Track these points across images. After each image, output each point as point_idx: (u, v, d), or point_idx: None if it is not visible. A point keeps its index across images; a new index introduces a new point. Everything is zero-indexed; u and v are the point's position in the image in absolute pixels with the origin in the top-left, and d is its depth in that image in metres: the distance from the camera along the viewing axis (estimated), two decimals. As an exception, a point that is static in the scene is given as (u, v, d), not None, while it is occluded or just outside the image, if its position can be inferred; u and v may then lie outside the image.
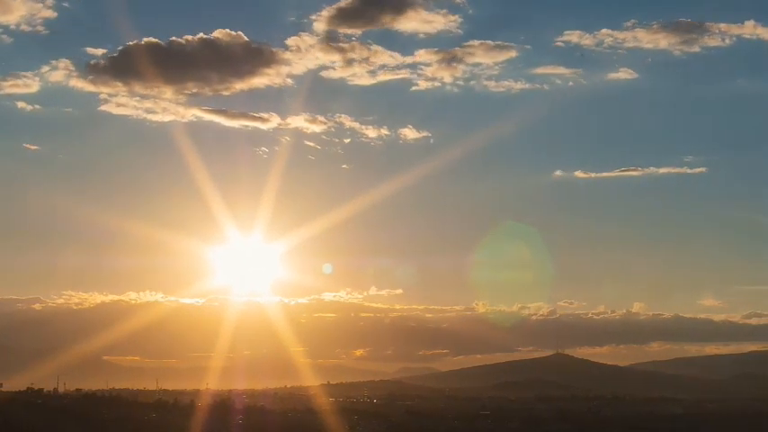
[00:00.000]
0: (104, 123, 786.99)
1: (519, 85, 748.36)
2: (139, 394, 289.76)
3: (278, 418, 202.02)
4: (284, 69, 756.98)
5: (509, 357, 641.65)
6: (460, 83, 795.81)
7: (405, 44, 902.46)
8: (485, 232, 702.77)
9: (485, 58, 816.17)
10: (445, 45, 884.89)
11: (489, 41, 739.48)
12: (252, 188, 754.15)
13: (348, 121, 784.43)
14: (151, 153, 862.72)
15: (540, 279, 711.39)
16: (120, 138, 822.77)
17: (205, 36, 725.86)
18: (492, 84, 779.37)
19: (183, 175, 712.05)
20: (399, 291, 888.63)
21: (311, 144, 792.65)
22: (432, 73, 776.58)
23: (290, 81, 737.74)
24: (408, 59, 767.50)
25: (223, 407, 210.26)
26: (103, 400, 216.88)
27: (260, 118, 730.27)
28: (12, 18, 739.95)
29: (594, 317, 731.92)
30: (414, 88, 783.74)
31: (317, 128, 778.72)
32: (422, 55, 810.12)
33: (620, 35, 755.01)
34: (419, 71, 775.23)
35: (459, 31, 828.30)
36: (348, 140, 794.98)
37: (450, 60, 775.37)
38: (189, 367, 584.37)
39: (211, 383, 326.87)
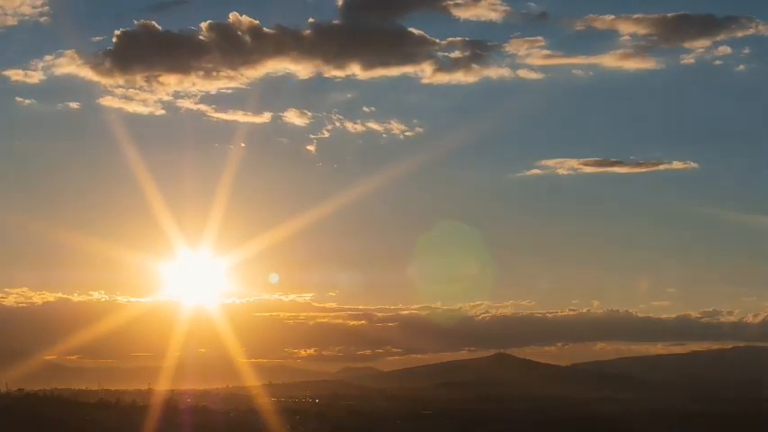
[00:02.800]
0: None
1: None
2: (81, 394, 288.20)
3: (220, 418, 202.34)
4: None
5: (451, 357, 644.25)
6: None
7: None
8: (430, 232, 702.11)
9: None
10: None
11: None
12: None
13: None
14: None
15: (483, 279, 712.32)
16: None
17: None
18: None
19: (123, 169, 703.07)
20: (342, 292, 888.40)
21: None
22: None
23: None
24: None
25: (165, 407, 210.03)
26: (46, 401, 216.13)
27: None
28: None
29: (544, 316, 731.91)
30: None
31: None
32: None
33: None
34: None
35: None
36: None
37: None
38: (132, 368, 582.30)
39: (155, 384, 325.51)
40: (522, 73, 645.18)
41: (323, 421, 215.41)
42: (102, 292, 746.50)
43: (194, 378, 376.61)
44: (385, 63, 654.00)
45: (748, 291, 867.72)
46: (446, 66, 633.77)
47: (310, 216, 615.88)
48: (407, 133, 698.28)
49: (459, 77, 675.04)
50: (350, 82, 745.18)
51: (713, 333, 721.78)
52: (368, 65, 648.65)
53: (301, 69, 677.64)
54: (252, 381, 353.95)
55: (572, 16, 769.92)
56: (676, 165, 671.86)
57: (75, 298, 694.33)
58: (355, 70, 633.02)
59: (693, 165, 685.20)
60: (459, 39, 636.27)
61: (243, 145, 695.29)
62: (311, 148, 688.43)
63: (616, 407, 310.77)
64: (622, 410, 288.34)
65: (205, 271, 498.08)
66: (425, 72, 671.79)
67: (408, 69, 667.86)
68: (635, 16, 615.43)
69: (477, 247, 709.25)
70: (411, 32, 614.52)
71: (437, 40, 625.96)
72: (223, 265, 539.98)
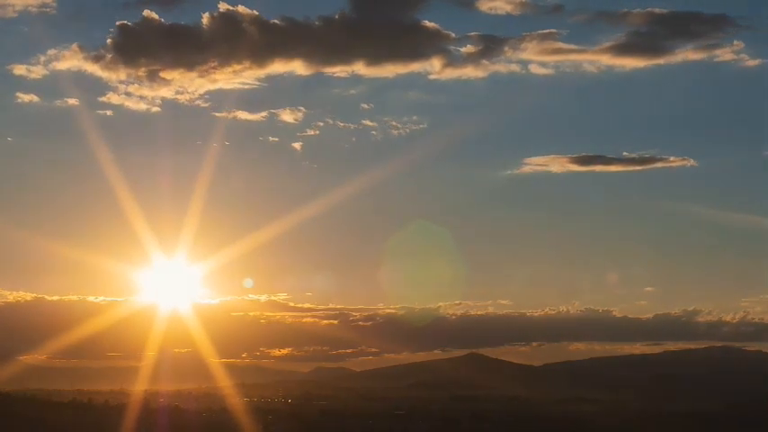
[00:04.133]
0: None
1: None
2: (54, 394, 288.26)
3: (193, 418, 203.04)
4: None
5: (424, 358, 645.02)
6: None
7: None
8: (406, 232, 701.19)
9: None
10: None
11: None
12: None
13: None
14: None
15: (459, 279, 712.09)
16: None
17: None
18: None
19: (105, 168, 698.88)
20: (318, 292, 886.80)
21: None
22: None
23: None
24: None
25: (138, 407, 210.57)
26: (18, 401, 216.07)
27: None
28: None
29: (521, 316, 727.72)
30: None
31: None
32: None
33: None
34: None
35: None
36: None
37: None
38: (104, 368, 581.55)
39: (128, 384, 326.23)
40: (533, 68, 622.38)
41: (295, 421, 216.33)
42: (78, 293, 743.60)
43: (168, 378, 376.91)
44: (393, 58, 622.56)
45: (727, 290, 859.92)
46: (457, 61, 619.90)
47: (289, 216, 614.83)
48: (399, 132, 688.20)
49: (469, 73, 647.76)
50: (353, 79, 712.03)
51: (691, 333, 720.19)
52: (374, 60, 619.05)
53: (305, 65, 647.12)
54: (225, 381, 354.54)
55: (588, 9, 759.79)
56: (660, 164, 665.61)
57: (49, 298, 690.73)
58: (360, 66, 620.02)
59: (682, 162, 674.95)
60: (474, 33, 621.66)
61: (227, 143, 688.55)
62: (297, 146, 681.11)
63: (587, 406, 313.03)
64: (594, 410, 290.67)
65: (181, 271, 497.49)
66: (434, 67, 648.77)
67: (416, 65, 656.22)
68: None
69: (454, 246, 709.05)
70: (424, 26, 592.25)
71: (452, 34, 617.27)
72: (199, 266, 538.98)
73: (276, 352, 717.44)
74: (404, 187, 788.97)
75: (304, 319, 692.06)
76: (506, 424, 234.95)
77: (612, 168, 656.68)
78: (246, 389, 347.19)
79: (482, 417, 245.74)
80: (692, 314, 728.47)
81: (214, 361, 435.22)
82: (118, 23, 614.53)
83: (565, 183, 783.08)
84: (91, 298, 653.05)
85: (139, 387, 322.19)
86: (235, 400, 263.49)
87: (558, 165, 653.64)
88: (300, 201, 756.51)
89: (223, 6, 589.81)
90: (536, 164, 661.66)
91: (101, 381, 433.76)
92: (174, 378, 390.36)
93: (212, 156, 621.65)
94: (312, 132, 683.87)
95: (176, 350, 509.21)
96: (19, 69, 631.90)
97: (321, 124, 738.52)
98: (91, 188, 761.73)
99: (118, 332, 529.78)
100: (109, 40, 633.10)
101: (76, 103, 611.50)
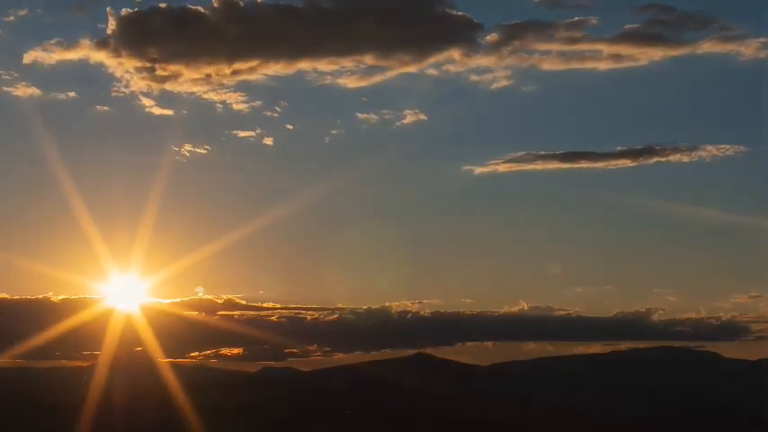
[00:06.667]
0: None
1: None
2: (5, 394, 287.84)
3: (142, 419, 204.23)
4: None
5: (372, 357, 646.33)
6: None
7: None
8: (357, 231, 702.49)
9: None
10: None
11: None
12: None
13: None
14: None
15: (407, 277, 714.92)
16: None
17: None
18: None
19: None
20: (272, 291, 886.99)
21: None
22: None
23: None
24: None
25: (88, 407, 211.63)
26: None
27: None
28: None
29: (475, 315, 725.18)
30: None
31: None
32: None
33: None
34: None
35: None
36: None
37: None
38: (50, 367, 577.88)
39: (80, 385, 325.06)
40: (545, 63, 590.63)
41: (242, 421, 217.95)
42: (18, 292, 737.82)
43: (121, 378, 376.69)
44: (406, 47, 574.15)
45: (685, 289, 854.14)
46: (475, 51, 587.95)
47: (248, 215, 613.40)
48: (379, 128, 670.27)
49: (482, 64, 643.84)
50: (358, 70, 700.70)
51: (648, 332, 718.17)
52: (385, 50, 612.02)
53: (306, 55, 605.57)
54: (174, 381, 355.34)
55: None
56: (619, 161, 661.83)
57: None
58: (368, 57, 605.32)
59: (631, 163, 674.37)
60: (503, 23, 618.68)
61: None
62: (269, 141, 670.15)
63: (534, 407, 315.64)
64: (541, 410, 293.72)
65: (132, 272, 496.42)
66: (453, 57, 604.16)
67: (434, 57, 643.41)
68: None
69: (409, 246, 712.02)
70: (449, 14, 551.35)
71: (482, 24, 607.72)
72: (152, 266, 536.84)
73: (227, 351, 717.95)
74: (373, 185, 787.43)
75: (255, 319, 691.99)
76: (448, 423, 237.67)
77: (567, 166, 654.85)
78: (195, 388, 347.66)
79: (426, 416, 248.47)
80: (649, 313, 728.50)
81: (165, 361, 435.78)
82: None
83: (517, 181, 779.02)
84: (39, 296, 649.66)
85: (90, 387, 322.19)
86: (183, 399, 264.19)
87: (517, 162, 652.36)
88: (261, 200, 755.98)
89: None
90: (496, 163, 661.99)
91: (48, 382, 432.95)
92: (126, 378, 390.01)
93: (170, 157, 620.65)
94: (288, 128, 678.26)
95: (126, 349, 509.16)
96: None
97: (300, 119, 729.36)
98: (34, 183, 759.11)
99: (68, 332, 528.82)
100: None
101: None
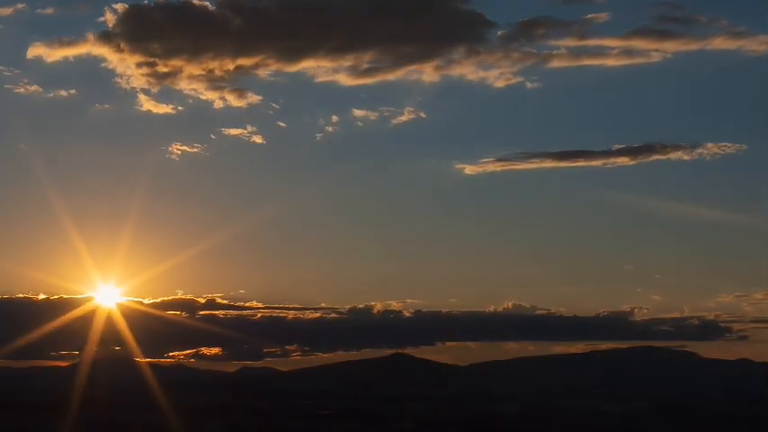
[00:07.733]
0: None
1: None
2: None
3: (122, 417, 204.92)
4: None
5: (351, 357, 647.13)
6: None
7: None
8: (339, 231, 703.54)
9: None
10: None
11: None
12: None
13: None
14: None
15: (390, 276, 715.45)
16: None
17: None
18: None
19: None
20: (253, 290, 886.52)
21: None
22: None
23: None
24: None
25: (68, 406, 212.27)
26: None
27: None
28: None
29: (458, 314, 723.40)
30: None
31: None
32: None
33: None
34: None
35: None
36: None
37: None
38: (30, 367, 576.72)
39: (59, 384, 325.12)
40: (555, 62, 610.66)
41: (221, 421, 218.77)
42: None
43: (101, 377, 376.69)
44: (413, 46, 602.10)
45: (671, 288, 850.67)
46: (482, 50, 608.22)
47: (232, 215, 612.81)
48: (372, 127, 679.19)
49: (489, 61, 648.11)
50: (358, 67, 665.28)
51: (630, 332, 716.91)
52: (391, 48, 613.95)
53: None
54: (153, 380, 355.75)
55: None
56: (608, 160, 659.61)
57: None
58: (374, 54, 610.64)
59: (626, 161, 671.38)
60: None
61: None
62: (258, 139, 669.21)
63: (513, 406, 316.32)
64: (519, 410, 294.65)
65: (117, 270, 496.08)
66: (457, 56, 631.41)
67: (438, 55, 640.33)
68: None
69: (396, 244, 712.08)
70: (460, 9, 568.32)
71: (496, 22, 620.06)
72: (133, 264, 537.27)
73: (206, 351, 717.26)
74: (358, 184, 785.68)
75: (237, 318, 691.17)
76: (426, 423, 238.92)
77: (556, 165, 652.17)
78: (174, 388, 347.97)
79: (404, 416, 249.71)
80: (629, 313, 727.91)
81: (143, 360, 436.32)
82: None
83: (504, 181, 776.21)
84: (20, 296, 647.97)
85: (67, 388, 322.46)
86: (162, 399, 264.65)
87: (508, 161, 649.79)
88: (246, 199, 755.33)
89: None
90: (488, 162, 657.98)
91: (28, 382, 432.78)
92: (106, 377, 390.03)
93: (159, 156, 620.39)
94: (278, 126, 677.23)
95: (106, 349, 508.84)
96: None
97: (291, 118, 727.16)
98: (18, 179, 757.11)
99: (48, 332, 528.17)
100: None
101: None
